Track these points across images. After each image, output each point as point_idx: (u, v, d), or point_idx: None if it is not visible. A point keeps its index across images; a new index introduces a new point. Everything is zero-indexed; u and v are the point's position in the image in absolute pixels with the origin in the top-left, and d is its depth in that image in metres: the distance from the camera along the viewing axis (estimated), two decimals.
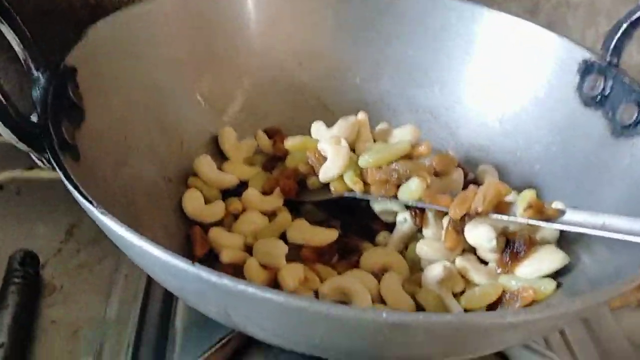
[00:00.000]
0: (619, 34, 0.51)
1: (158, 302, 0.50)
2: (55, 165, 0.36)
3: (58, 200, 0.58)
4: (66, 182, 0.34)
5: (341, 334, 0.30)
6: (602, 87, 0.51)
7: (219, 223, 0.49)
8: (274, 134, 0.57)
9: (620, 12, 0.51)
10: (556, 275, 0.46)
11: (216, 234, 0.47)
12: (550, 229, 0.47)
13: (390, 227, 0.51)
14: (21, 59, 0.42)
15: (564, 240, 0.48)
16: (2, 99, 0.36)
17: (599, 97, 0.51)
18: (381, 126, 0.57)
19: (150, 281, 0.52)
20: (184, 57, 0.54)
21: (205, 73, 0.55)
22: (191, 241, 0.47)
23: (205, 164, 0.52)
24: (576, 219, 0.43)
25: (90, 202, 0.32)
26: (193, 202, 0.49)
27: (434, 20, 0.59)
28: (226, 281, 0.28)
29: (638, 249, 0.38)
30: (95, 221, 0.34)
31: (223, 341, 0.45)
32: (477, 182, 0.53)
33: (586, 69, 0.53)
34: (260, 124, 0.59)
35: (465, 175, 0.53)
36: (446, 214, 0.47)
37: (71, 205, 0.35)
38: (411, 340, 0.30)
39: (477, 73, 0.59)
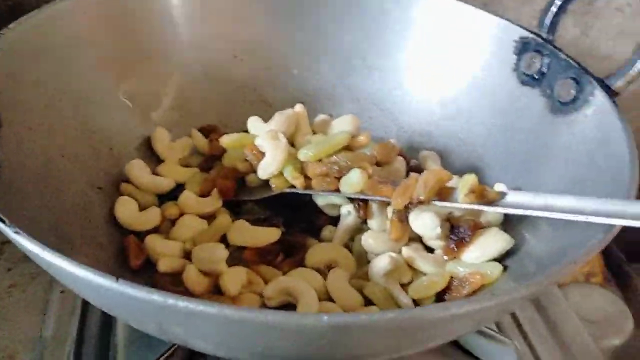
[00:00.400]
0: (554, 9, 0.51)
1: (96, 317, 0.48)
2: None
3: None
4: None
5: (284, 341, 0.28)
6: (539, 64, 0.51)
7: (155, 230, 0.47)
8: (210, 132, 0.55)
9: None
10: (503, 257, 0.45)
11: (152, 241, 0.45)
12: (493, 212, 0.46)
13: (336, 220, 0.50)
14: None
15: (509, 223, 0.48)
16: None
17: (536, 75, 0.51)
18: (320, 118, 0.56)
19: None
20: (108, 58, 0.51)
21: (132, 72, 0.53)
22: (125, 252, 0.44)
23: (137, 168, 0.49)
24: (518, 201, 0.43)
25: (2, 221, 0.29)
26: (125, 210, 0.47)
27: (371, 6, 0.58)
28: (155, 296, 0.26)
29: (581, 227, 0.38)
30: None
31: (166, 354, 0.43)
32: (420, 169, 0.52)
33: (523, 47, 0.52)
34: (195, 122, 0.56)
35: (408, 163, 0.52)
36: (389, 204, 0.46)
37: None
38: (356, 340, 0.29)
39: (415, 57, 0.58)
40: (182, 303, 0.26)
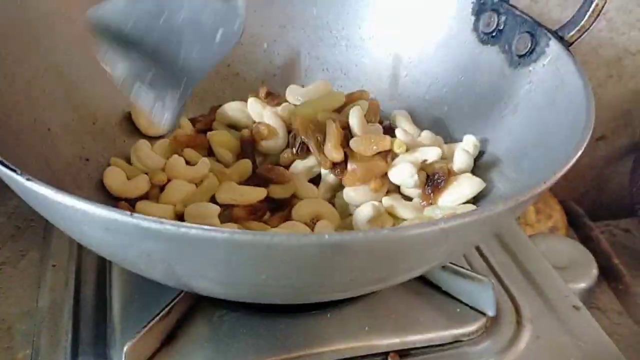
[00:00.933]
0: None
1: (91, 284, 0.49)
2: None
3: None
4: None
5: (286, 264, 0.31)
6: (496, 22, 0.54)
7: (144, 197, 0.49)
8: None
9: None
10: (475, 201, 0.49)
11: (144, 207, 0.47)
12: (466, 160, 0.50)
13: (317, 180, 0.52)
14: None
15: (478, 169, 0.51)
16: None
17: (494, 32, 0.55)
18: (292, 87, 0.58)
19: (80, 265, 0.50)
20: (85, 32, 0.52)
21: None
22: None
23: (145, 149, 0.51)
24: None
25: (14, 170, 0.31)
26: (115, 179, 0.48)
27: None
28: (169, 226, 0.28)
29: (544, 169, 0.41)
30: (19, 193, 0.33)
31: (163, 312, 0.44)
32: (392, 128, 0.55)
33: (480, 7, 0.56)
34: None
35: (381, 123, 0.55)
36: None
37: None
38: (353, 260, 0.31)
39: (378, 25, 0.62)
40: (194, 230, 0.28)
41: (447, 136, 0.57)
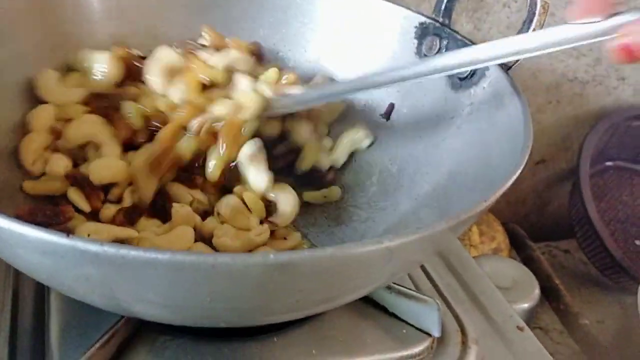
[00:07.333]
0: None
1: (29, 310, 0.47)
2: None
3: None
4: None
5: (230, 285, 0.30)
6: (438, 46, 0.56)
7: None
8: None
9: None
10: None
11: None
12: None
13: None
14: None
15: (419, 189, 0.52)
16: None
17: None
18: None
19: (17, 288, 0.49)
20: (28, 51, 0.51)
21: (49, 66, 0.53)
22: None
23: None
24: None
25: None
26: None
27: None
28: (107, 248, 0.28)
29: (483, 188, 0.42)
30: None
31: (103, 339, 0.42)
32: None
33: (422, 32, 0.57)
34: None
35: None
36: None
37: None
38: (298, 280, 0.31)
39: (323, 48, 0.62)
40: (134, 252, 0.28)
41: (390, 154, 0.57)
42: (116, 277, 0.31)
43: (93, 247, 0.28)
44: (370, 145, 0.59)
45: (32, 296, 0.49)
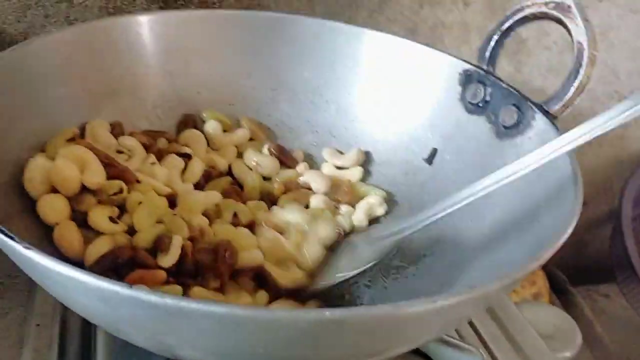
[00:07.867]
0: (492, 44, 0.56)
1: (76, 346, 0.48)
2: None
3: None
4: None
5: (285, 339, 0.31)
6: (482, 94, 0.56)
7: None
8: None
9: (490, 28, 0.57)
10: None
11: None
12: None
13: None
14: None
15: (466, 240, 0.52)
16: None
17: (481, 103, 0.56)
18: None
19: (64, 327, 0.49)
20: (80, 94, 0.53)
21: (103, 109, 0.55)
22: None
23: None
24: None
25: (12, 238, 0.31)
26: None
27: (323, 43, 0.62)
28: (168, 300, 0.28)
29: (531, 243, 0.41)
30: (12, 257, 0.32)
31: None
32: None
33: (466, 79, 0.57)
34: None
35: None
36: None
37: None
38: (351, 335, 0.31)
39: (368, 92, 0.63)
40: (194, 305, 0.28)
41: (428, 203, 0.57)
42: (170, 325, 0.31)
43: (154, 298, 0.28)
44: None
45: (79, 331, 0.49)
